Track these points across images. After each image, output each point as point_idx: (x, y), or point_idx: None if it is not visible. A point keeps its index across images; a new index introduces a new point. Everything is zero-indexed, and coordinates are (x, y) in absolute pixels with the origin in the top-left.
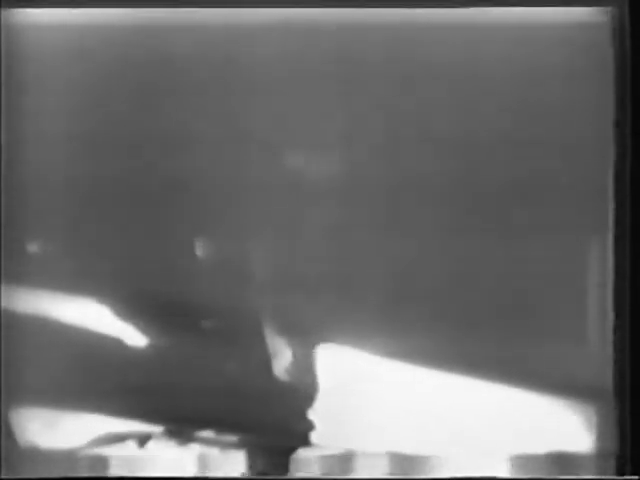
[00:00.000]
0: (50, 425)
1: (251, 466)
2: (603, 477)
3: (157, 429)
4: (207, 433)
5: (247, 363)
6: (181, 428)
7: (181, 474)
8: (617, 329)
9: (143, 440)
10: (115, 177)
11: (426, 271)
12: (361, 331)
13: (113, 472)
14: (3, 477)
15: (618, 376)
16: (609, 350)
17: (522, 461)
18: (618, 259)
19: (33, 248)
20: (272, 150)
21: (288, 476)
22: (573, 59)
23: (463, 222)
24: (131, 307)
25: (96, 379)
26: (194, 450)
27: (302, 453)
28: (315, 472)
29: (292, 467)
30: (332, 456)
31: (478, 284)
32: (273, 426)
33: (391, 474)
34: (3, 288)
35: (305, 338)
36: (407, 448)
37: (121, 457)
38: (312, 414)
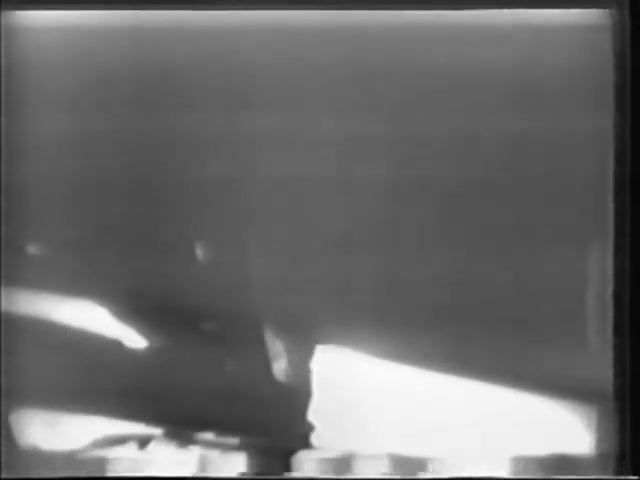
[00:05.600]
0: (50, 426)
1: (251, 468)
2: (603, 477)
3: (157, 431)
4: (207, 435)
5: (247, 365)
6: (181, 430)
7: (181, 475)
8: (617, 330)
9: (143, 442)
10: (115, 179)
11: (426, 272)
12: (360, 333)
13: (113, 474)
14: (3, 477)
15: (618, 377)
16: (609, 351)
17: (522, 461)
18: (618, 260)
19: (33, 250)
20: (272, 153)
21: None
22: (574, 60)
23: (462, 225)
24: (131, 309)
25: (96, 381)
26: (194, 452)
27: (302, 455)
28: (315, 474)
29: (292, 468)
30: (332, 458)
31: (478, 286)
32: (273, 428)
33: (391, 475)
34: (3, 289)
35: (304, 340)
36: (407, 450)
37: (121, 459)
38: (311, 416)
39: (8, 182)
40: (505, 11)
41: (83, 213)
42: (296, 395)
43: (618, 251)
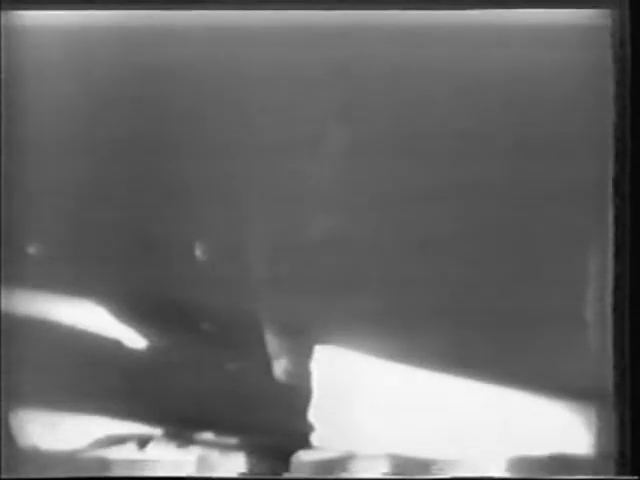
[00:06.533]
0: (50, 427)
1: (251, 468)
2: (603, 477)
3: (157, 431)
4: (207, 435)
5: (247, 365)
6: (181, 430)
7: (181, 476)
8: (617, 330)
9: (143, 442)
10: (114, 179)
11: (426, 272)
12: (361, 332)
13: (113, 474)
14: (3, 477)
15: (618, 377)
16: (609, 351)
17: (522, 462)
18: (618, 259)
19: (33, 250)
20: (271, 153)
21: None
22: (573, 61)
23: (462, 225)
24: (131, 309)
25: (96, 381)
26: (194, 452)
27: (302, 455)
28: (315, 474)
29: (292, 469)
30: (331, 458)
31: (478, 286)
32: (273, 428)
33: (391, 475)
34: (3, 290)
35: (304, 339)
36: (407, 450)
37: (121, 459)
38: (312, 416)
39: (8, 182)
40: (504, 11)
41: (83, 213)
42: (296, 395)
43: (618, 252)
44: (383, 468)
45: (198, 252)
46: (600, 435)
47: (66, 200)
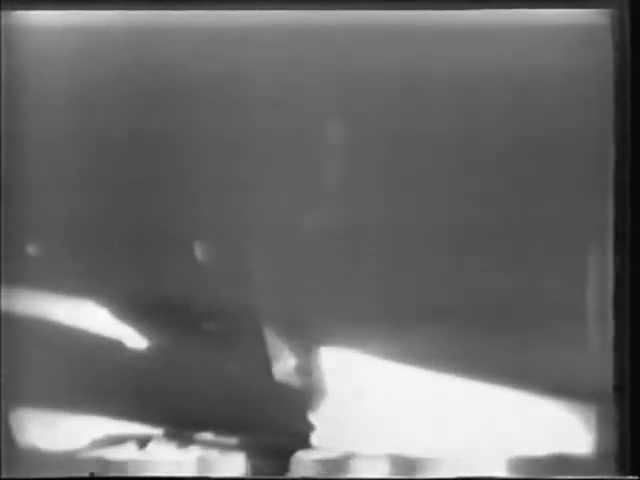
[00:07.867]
0: (50, 427)
1: (251, 468)
2: (603, 477)
3: (157, 431)
4: (207, 435)
5: (247, 365)
6: (181, 430)
7: (181, 476)
8: (617, 330)
9: (143, 442)
10: (115, 178)
11: (427, 272)
12: (362, 332)
13: (112, 474)
14: (3, 477)
15: (618, 377)
16: (609, 351)
17: (522, 461)
18: (618, 260)
19: (33, 249)
20: (271, 151)
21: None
22: (574, 61)
23: (463, 224)
24: (131, 309)
25: (96, 381)
26: (194, 452)
27: (302, 455)
28: (315, 474)
29: (292, 469)
30: (332, 458)
31: (479, 286)
32: (273, 428)
33: (391, 476)
34: (3, 289)
35: (305, 340)
36: (407, 450)
37: (121, 459)
38: (312, 416)
39: (8, 180)
40: (504, 11)
41: (83, 213)
42: (297, 395)
43: (618, 251)
44: (383, 468)
45: (199, 251)
46: (600, 435)
47: (66, 199)
